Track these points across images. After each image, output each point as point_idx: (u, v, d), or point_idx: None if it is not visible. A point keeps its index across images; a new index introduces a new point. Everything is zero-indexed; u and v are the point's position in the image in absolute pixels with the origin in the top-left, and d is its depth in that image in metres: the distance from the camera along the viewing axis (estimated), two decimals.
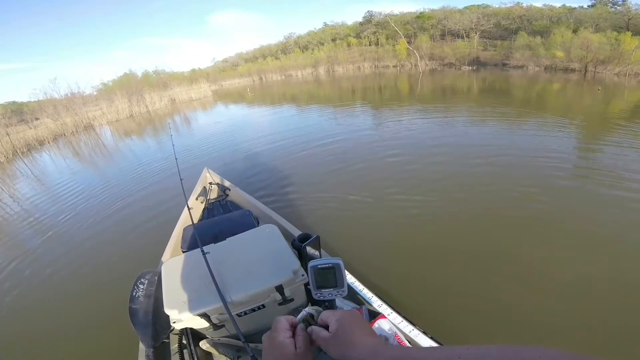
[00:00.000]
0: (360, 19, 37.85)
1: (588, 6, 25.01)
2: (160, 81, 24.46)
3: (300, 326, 0.58)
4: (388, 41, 32.13)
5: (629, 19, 20.46)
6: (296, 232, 2.17)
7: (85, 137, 15.27)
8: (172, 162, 4.39)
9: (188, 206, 2.37)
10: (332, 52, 35.31)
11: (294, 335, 0.56)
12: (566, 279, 2.46)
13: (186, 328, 1.53)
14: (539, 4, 28.13)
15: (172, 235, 2.47)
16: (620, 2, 22.92)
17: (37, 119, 18.86)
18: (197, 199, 3.09)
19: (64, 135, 16.30)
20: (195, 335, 1.57)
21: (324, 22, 43.11)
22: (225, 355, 1.44)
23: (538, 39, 21.22)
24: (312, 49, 38.64)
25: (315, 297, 0.76)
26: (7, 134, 14.16)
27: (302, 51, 39.89)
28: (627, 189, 3.72)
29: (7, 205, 6.90)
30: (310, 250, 1.44)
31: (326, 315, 0.57)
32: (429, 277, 2.63)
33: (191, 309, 1.32)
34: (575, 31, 20.34)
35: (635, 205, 3.38)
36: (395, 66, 28.62)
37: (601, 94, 10.93)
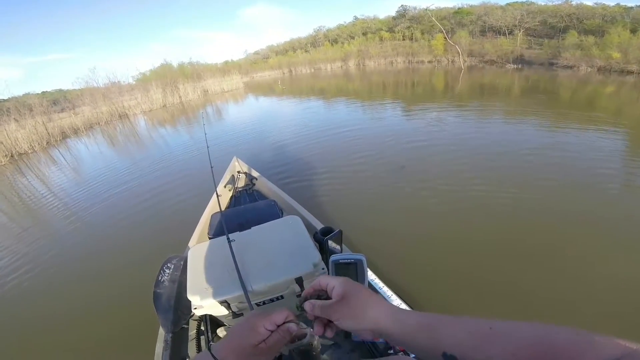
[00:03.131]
0: (393, 14, 36.87)
1: None
2: (194, 72, 24.95)
3: (284, 328, 0.52)
4: (424, 36, 30.98)
5: None
6: (319, 225, 2.17)
7: (120, 126, 15.96)
8: (204, 151, 4.44)
9: (217, 193, 2.42)
10: (363, 45, 34.62)
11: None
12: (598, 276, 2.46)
13: (206, 315, 1.53)
14: (589, 2, 25.93)
15: (200, 222, 2.49)
16: None
17: (77, 107, 19.88)
18: (225, 186, 3.11)
19: (99, 124, 17.04)
20: (213, 322, 1.59)
21: (355, 16, 42.46)
22: None
23: (591, 38, 19.50)
24: (342, 43, 38.28)
25: None
26: (44, 123, 14.82)
27: (332, 44, 39.65)
28: None
29: (47, 189, 7.26)
30: (331, 244, 1.46)
31: (325, 280, 0.52)
32: (457, 280, 2.56)
33: (213, 295, 1.33)
34: (633, 31, 18.49)
35: None
36: (430, 62, 27.48)
37: None
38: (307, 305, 0.53)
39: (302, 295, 0.57)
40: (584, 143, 5.46)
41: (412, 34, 32.61)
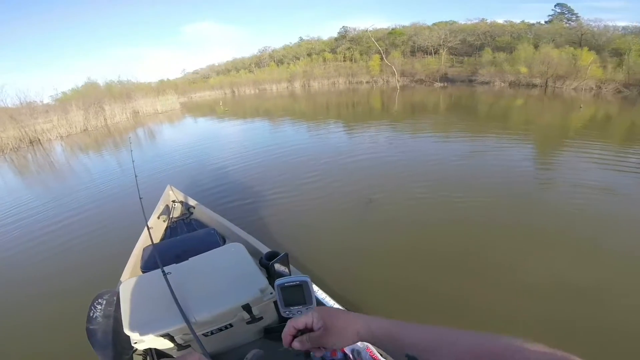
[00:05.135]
0: (335, 35, 38.63)
1: (545, 22, 26.97)
2: (124, 91, 22.99)
3: None
4: (362, 57, 32.81)
5: (582, 35, 22.13)
6: (265, 249, 2.13)
7: (31, 153, 13.75)
8: (132, 180, 3.93)
9: (148, 226, 2.31)
10: (308, 66, 35.51)
11: None
12: (531, 280, 2.68)
13: (150, 348, 1.47)
14: (500, 20, 29.85)
15: (132, 255, 2.37)
16: (573, 18, 24.91)
17: None
18: (159, 217, 2.94)
19: (3, 151, 14.51)
20: (160, 355, 1.51)
21: (300, 37, 43.66)
22: None
23: (502, 54, 22.34)
24: (288, 63, 38.94)
25: (283, 314, 0.76)
26: None
27: (278, 65, 40.11)
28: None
29: None
30: (278, 267, 1.43)
31: (301, 321, 0.58)
32: (404, 289, 2.68)
33: (153, 329, 1.27)
34: (536, 47, 21.50)
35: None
36: (368, 82, 29.10)
37: (584, 110, 11.39)
38: (297, 344, 0.58)
39: (284, 337, 0.61)
40: (501, 150, 6.35)
41: (352, 54, 34.36)
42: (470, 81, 22.84)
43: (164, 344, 1.35)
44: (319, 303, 1.64)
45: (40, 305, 3.12)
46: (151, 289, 1.48)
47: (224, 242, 2.20)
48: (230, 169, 6.53)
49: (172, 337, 1.31)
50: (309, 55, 38.58)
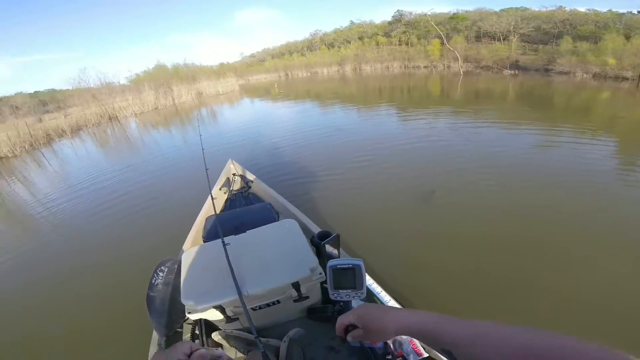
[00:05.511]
0: (389, 19, 37.06)
1: (638, 12, 23.06)
2: (189, 74, 24.61)
3: (197, 354, 0.61)
4: (420, 41, 31.09)
5: None
6: (316, 229, 2.13)
7: (110, 128, 15.57)
8: (197, 153, 4.54)
9: (212, 196, 2.35)
10: (359, 50, 34.67)
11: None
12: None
13: (200, 319, 1.51)
14: (582, 9, 26.26)
15: (194, 224, 2.48)
16: None
17: (68, 107, 19.36)
18: (220, 189, 3.11)
19: (87, 125, 16.58)
20: (208, 326, 1.57)
21: (351, 21, 42.66)
22: (236, 348, 1.42)
23: (585, 44, 19.66)
24: (339, 47, 38.31)
25: (332, 297, 0.75)
26: (27, 125, 14.34)
27: (328, 48, 39.70)
28: None
29: (29, 194, 6.93)
30: (329, 248, 1.45)
31: (346, 319, 0.62)
32: (458, 284, 2.54)
33: (208, 300, 1.31)
34: (627, 37, 18.67)
35: None
36: (426, 67, 27.52)
37: None
38: (349, 338, 0.62)
39: (338, 331, 0.63)
40: (579, 144, 5.59)
41: (408, 38, 32.73)
42: (547, 70, 20.38)
43: (215, 316, 1.37)
44: (368, 291, 1.59)
45: (110, 268, 3.41)
46: (210, 259, 1.52)
47: (278, 218, 2.21)
48: (284, 148, 6.70)
49: (224, 309, 1.34)
50: (360, 38, 37.67)
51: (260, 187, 3.11)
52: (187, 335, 1.62)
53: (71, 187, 6.69)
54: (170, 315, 1.57)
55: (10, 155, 12.27)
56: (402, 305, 1.52)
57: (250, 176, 3.29)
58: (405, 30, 33.52)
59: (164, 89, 20.59)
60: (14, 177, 9.07)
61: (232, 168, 3.46)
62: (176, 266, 1.73)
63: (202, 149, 3.18)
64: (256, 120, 11.19)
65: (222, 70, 30.41)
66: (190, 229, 2.43)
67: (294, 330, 1.26)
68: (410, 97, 13.99)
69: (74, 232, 4.58)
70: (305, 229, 1.88)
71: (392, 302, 1.64)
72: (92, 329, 2.55)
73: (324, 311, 1.44)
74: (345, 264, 0.70)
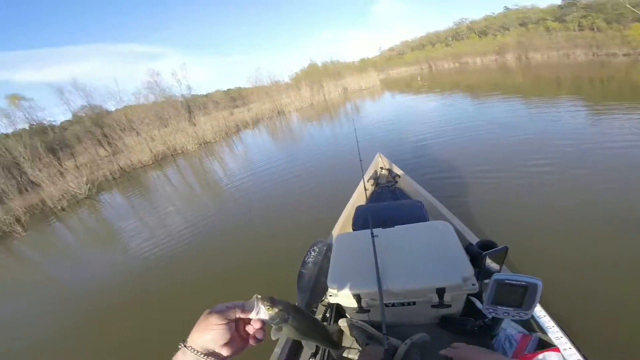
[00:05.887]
0: (558, 2, 30.06)
1: None
2: (335, 71, 26.50)
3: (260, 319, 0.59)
4: (610, 26, 23.97)
5: None
6: (471, 236, 1.96)
7: (278, 122, 18.47)
8: (348, 144, 5.62)
9: (365, 187, 2.52)
10: (523, 37, 29.43)
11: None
12: None
13: (335, 303, 1.54)
14: None
15: (344, 211, 2.59)
16: None
17: (249, 103, 24.16)
18: (368, 180, 3.16)
19: (262, 119, 20.22)
20: (337, 312, 1.62)
21: (505, 7, 36.89)
22: (355, 338, 1.44)
23: None
24: (494, 34, 33.91)
25: (485, 311, 0.71)
26: (224, 117, 18.60)
27: (480, 37, 35.52)
28: None
29: (221, 171, 9.41)
30: (489, 261, 1.32)
31: (447, 352, 0.62)
32: None
33: (349, 287, 1.35)
34: None
35: None
36: (626, 55, 20.96)
37: None
38: None
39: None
40: None
41: (592, 23, 25.76)
42: None
43: (349, 303, 1.39)
44: (533, 320, 1.39)
45: (270, 239, 4.04)
46: (358, 249, 1.55)
47: (428, 219, 2.10)
48: (432, 143, 6.32)
49: (360, 299, 1.35)
50: (523, 25, 32.27)
51: (407, 183, 3.03)
52: (318, 316, 1.65)
53: (248, 168, 8.65)
54: (312, 293, 1.64)
55: (212, 141, 16.38)
56: (572, 342, 1.26)
57: (397, 171, 3.27)
58: (585, 14, 26.51)
59: (317, 86, 22.97)
60: (213, 157, 12.38)
61: (380, 161, 3.52)
62: (325, 248, 1.84)
63: (357, 142, 3.42)
64: (400, 114, 10.99)
65: (363, 66, 31.44)
66: (340, 214, 2.54)
67: (419, 335, 1.19)
68: (606, 89, 10.94)
69: (247, 204, 5.87)
70: (459, 236, 1.78)
71: (554, 328, 1.33)
72: (247, 285, 3.13)
73: (462, 324, 1.34)
74: (517, 280, 0.64)
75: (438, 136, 6.79)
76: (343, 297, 1.39)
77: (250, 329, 0.60)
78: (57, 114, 31.99)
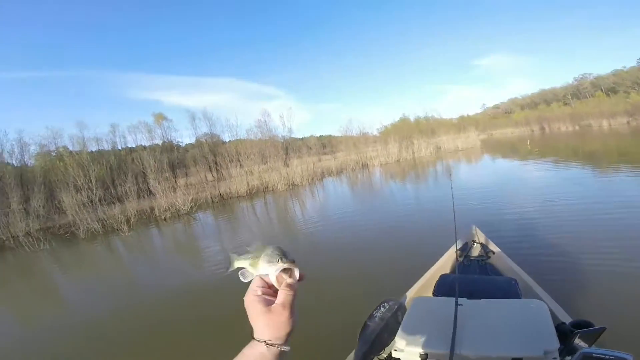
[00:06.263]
0: None
1: None
2: (429, 127, 25.98)
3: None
4: None
5: None
6: (565, 317, 1.86)
7: (360, 174, 18.87)
8: (429, 209, 5.81)
9: (457, 254, 2.59)
10: None
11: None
12: None
13: (397, 358, 1.52)
14: None
15: (424, 276, 2.60)
16: None
17: (336, 152, 25.41)
18: (456, 251, 3.02)
19: (346, 169, 20.76)
20: None
21: (639, 59, 31.10)
22: None
23: None
24: (627, 92, 28.83)
25: None
26: (313, 163, 19.75)
27: (608, 94, 30.61)
28: None
29: (302, 212, 9.82)
30: (580, 339, 1.32)
31: None
32: None
33: (419, 344, 1.39)
34: None
35: None
36: None
37: None
38: None
39: None
40: None
41: None
42: None
43: None
44: None
45: (338, 285, 3.98)
46: (437, 312, 1.60)
47: (521, 297, 2.05)
48: (537, 221, 5.73)
49: (427, 357, 1.35)
50: None
51: (501, 260, 2.92)
52: None
53: (326, 214, 9.05)
54: (372, 345, 1.68)
55: (299, 184, 17.43)
56: None
57: (493, 247, 3.13)
58: None
59: (406, 142, 22.75)
60: (297, 199, 13.24)
61: (474, 234, 3.38)
62: (396, 307, 1.88)
63: (454, 208, 3.21)
64: (502, 182, 10.18)
65: (461, 124, 29.97)
66: (419, 279, 2.57)
67: None
68: None
69: (319, 247, 6.02)
70: (553, 315, 1.69)
71: None
72: (310, 326, 2.90)
73: None
74: (608, 355, 0.62)
75: (545, 214, 6.11)
76: (409, 353, 1.41)
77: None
78: (185, 136, 38.54)
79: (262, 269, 0.54)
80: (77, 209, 13.16)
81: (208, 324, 3.80)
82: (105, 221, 12.62)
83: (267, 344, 0.48)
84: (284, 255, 0.54)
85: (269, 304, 0.51)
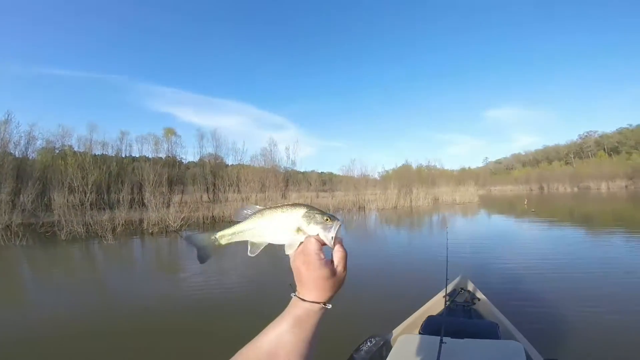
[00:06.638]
0: None
1: None
2: (429, 177, 26.17)
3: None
4: None
5: None
6: (539, 358, 2.01)
7: (356, 215, 18.72)
8: (424, 255, 6.07)
9: (445, 299, 2.79)
10: None
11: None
12: None
13: None
14: None
15: (412, 317, 2.74)
16: None
17: (335, 190, 25.42)
18: (444, 296, 3.17)
19: (342, 209, 20.59)
20: None
21: None
22: None
23: None
24: (629, 152, 29.07)
25: None
26: (311, 199, 19.62)
27: (610, 155, 30.83)
28: None
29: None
30: None
31: None
32: None
33: None
34: None
35: None
36: None
37: None
38: None
39: None
40: None
41: None
42: None
43: None
44: None
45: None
46: (423, 350, 1.69)
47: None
48: (523, 271, 6.12)
49: None
50: None
51: (486, 307, 3.07)
52: None
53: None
54: None
55: None
56: None
57: (479, 294, 3.28)
58: None
59: (406, 190, 22.78)
60: None
61: (463, 282, 3.54)
62: (382, 342, 2.01)
63: (447, 256, 3.41)
64: (496, 237, 10.42)
65: (462, 177, 30.08)
66: (406, 318, 2.70)
67: None
68: None
69: None
70: (527, 355, 1.81)
71: None
72: None
73: None
74: None
75: (531, 267, 6.40)
76: None
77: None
78: (189, 154, 38.41)
79: (311, 230, 0.51)
80: (66, 210, 12.95)
81: (171, 341, 3.67)
82: (91, 226, 12.37)
83: (325, 306, 0.49)
84: (324, 213, 0.52)
85: (331, 266, 0.50)
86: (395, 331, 2.48)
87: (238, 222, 0.55)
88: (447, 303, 3.18)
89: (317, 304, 0.48)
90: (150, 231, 13.03)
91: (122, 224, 13.02)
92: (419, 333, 2.22)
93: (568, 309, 4.36)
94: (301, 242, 0.52)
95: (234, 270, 7.08)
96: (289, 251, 0.52)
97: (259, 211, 0.54)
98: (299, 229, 0.52)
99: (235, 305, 4.81)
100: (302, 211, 0.52)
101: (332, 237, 0.50)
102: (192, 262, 8.27)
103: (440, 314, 3.00)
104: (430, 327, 2.23)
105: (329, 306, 0.49)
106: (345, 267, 0.51)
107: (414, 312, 2.87)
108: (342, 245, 0.52)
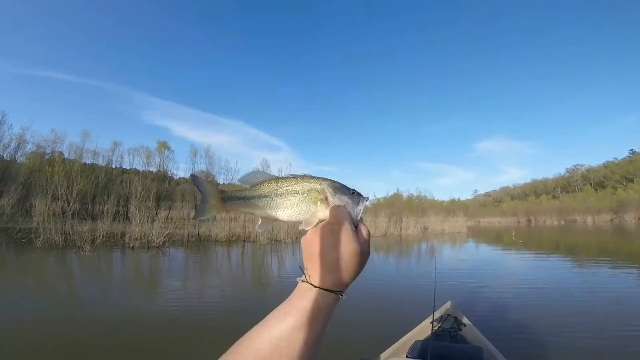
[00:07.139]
0: None
1: None
2: (420, 206, 26.31)
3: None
4: None
5: None
6: None
7: None
8: (412, 282, 6.09)
9: (432, 325, 2.81)
10: None
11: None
12: None
13: None
14: None
15: (399, 341, 2.77)
16: None
17: None
18: (431, 322, 3.20)
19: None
20: None
21: (631, 150, 32.82)
22: None
23: None
24: (614, 187, 29.77)
25: None
26: None
27: (596, 189, 31.52)
28: None
29: (274, 265, 9.12)
30: None
31: None
32: None
33: None
34: None
35: None
36: None
37: None
38: None
39: None
40: None
41: None
42: None
43: None
44: None
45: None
46: None
47: None
48: (508, 298, 6.26)
49: None
50: None
51: (472, 333, 3.13)
52: None
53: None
54: None
55: (282, 241, 16.95)
56: None
57: (465, 321, 3.35)
58: None
59: (395, 218, 22.77)
60: (276, 254, 12.79)
61: (449, 308, 3.59)
62: None
63: (435, 284, 3.41)
64: (483, 265, 10.67)
65: (451, 208, 30.49)
66: (394, 342, 2.73)
67: None
68: None
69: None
70: None
71: None
72: None
73: None
74: None
75: (516, 295, 6.59)
76: None
77: None
78: (181, 169, 37.79)
79: (339, 199, 0.44)
80: (46, 217, 12.54)
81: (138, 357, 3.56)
82: (70, 235, 11.93)
83: (340, 296, 0.42)
84: (347, 187, 0.46)
85: (362, 240, 0.43)
86: (383, 355, 2.52)
87: (247, 189, 0.47)
88: (434, 328, 3.23)
89: (332, 294, 0.41)
90: (131, 245, 12.63)
91: (103, 236, 12.65)
92: (406, 357, 2.30)
93: (551, 334, 4.43)
94: (320, 221, 0.45)
95: (214, 287, 6.94)
96: (306, 226, 0.45)
97: (274, 179, 0.47)
98: (321, 200, 0.45)
99: (208, 323, 4.69)
100: (327, 181, 0.46)
101: (361, 211, 0.45)
102: (171, 276, 8.01)
103: (427, 339, 3.04)
104: (417, 351, 2.30)
105: (344, 296, 0.43)
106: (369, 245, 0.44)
107: (401, 336, 2.91)
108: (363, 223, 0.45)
